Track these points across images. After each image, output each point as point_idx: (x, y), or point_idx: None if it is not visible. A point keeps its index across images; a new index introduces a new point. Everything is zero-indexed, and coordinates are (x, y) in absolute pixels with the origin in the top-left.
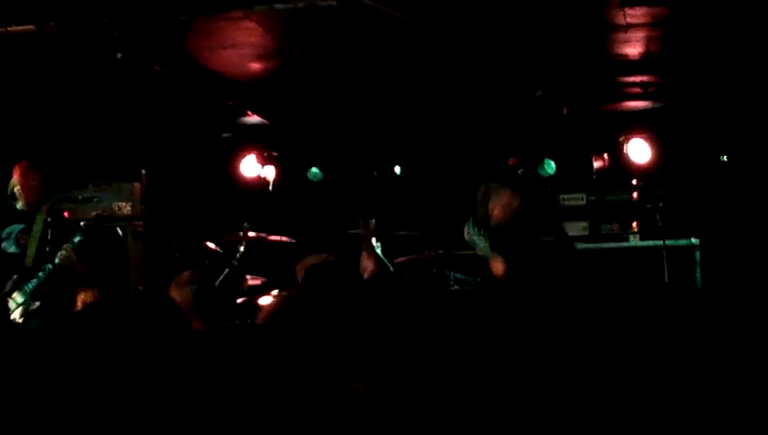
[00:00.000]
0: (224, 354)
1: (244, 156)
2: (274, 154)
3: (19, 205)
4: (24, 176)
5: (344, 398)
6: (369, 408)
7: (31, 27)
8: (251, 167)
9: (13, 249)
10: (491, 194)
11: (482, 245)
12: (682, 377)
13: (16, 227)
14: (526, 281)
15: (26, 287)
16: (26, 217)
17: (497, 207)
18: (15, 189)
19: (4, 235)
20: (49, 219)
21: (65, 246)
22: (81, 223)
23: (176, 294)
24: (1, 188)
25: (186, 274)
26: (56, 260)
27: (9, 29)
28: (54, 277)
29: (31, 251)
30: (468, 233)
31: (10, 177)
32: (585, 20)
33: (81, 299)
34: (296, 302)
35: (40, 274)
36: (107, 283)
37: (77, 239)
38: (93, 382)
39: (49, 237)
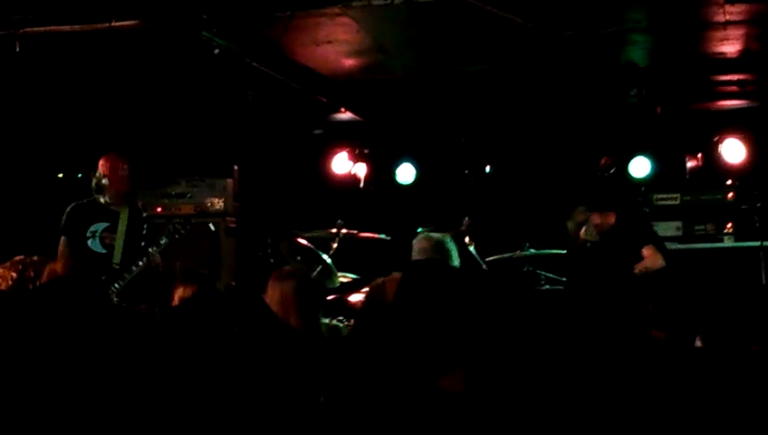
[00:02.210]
0: (318, 351)
1: (335, 153)
2: (365, 151)
3: (104, 198)
4: (111, 168)
5: (437, 395)
6: (463, 405)
7: (133, 23)
8: (342, 164)
9: (99, 249)
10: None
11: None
12: None
13: (100, 226)
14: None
15: (113, 288)
16: (110, 214)
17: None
18: (103, 181)
19: (89, 233)
20: (144, 214)
21: (151, 249)
22: (171, 225)
23: (275, 287)
24: (86, 182)
25: (286, 268)
26: (143, 261)
27: (113, 24)
28: (143, 277)
29: (117, 250)
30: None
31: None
32: (682, 18)
33: (179, 295)
34: (395, 299)
35: (126, 274)
36: (203, 279)
37: (163, 241)
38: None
39: (144, 232)
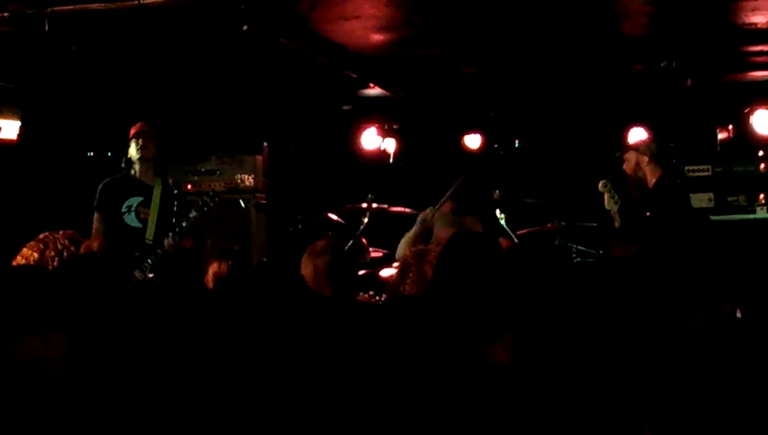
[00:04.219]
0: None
1: (364, 128)
2: (395, 126)
3: (135, 169)
4: (136, 127)
5: (483, 366)
6: (508, 376)
7: (162, 0)
8: (371, 139)
9: (136, 223)
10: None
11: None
12: None
13: (135, 200)
14: (654, 254)
15: (145, 264)
16: (143, 188)
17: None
18: (131, 150)
19: (124, 208)
20: (175, 191)
21: (182, 223)
22: (200, 199)
23: (309, 262)
24: (116, 161)
25: (320, 243)
26: (175, 237)
27: (142, 1)
28: (175, 253)
29: (151, 226)
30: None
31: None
32: None
33: (213, 271)
34: (437, 271)
35: (159, 250)
36: (237, 255)
37: (192, 215)
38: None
39: (174, 209)
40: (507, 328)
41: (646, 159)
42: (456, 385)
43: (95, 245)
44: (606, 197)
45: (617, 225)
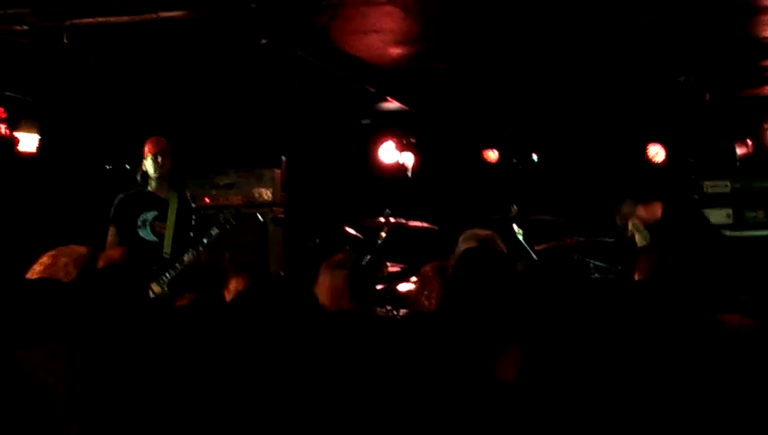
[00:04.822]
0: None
1: (382, 142)
2: (413, 140)
3: (150, 184)
4: (152, 143)
5: (489, 383)
6: (514, 393)
7: (181, 13)
8: (389, 153)
9: (151, 237)
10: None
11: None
12: None
13: (150, 215)
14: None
15: (163, 278)
16: (159, 203)
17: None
18: (146, 164)
19: (139, 222)
20: (194, 205)
21: (204, 241)
22: (221, 216)
23: (327, 276)
24: (134, 174)
25: (338, 256)
26: (194, 253)
27: (160, 15)
28: (193, 268)
29: (168, 240)
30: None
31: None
32: (730, 3)
33: (234, 286)
34: (448, 286)
35: (177, 264)
36: (255, 269)
37: (214, 232)
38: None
39: (193, 223)
40: (513, 345)
41: (639, 209)
42: (459, 400)
43: (116, 254)
44: (637, 237)
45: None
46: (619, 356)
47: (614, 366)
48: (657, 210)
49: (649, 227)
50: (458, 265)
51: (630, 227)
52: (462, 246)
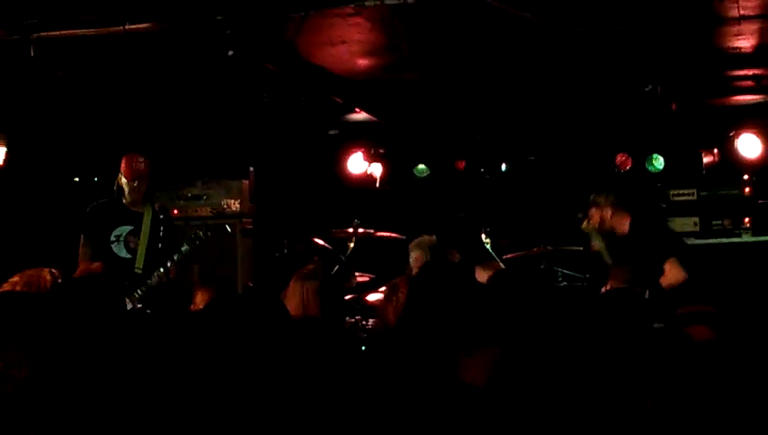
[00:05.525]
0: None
1: (351, 153)
2: (381, 151)
3: (125, 198)
4: (129, 164)
5: (457, 388)
6: (484, 399)
7: (147, 25)
8: (358, 164)
9: (124, 253)
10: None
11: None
12: None
13: (124, 229)
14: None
15: (136, 294)
16: (131, 216)
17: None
18: (122, 182)
19: (113, 238)
20: (162, 216)
21: (161, 269)
22: (192, 233)
23: (298, 287)
24: (108, 186)
25: (310, 267)
26: (164, 270)
27: (127, 27)
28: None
29: (140, 255)
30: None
31: (118, 173)
32: (696, 13)
33: (200, 298)
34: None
35: (148, 281)
36: (221, 281)
37: (184, 249)
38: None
39: (161, 235)
40: (479, 350)
41: (609, 211)
42: (423, 405)
43: (95, 266)
44: (592, 237)
45: (608, 262)
46: (584, 362)
47: (579, 371)
48: (624, 222)
49: (605, 233)
50: (414, 280)
51: (587, 225)
52: (413, 254)
